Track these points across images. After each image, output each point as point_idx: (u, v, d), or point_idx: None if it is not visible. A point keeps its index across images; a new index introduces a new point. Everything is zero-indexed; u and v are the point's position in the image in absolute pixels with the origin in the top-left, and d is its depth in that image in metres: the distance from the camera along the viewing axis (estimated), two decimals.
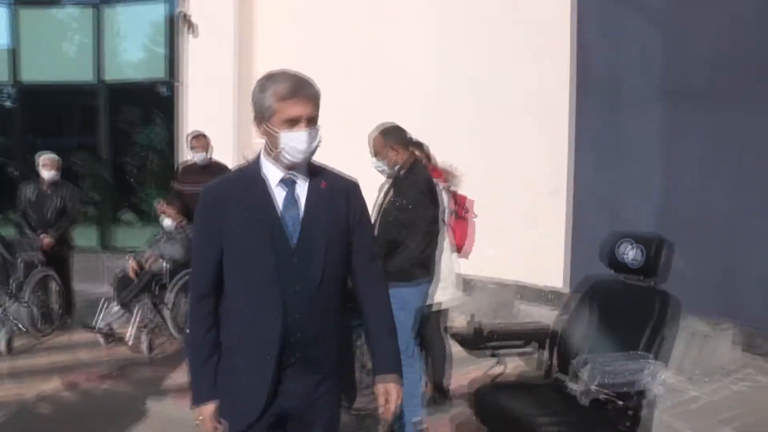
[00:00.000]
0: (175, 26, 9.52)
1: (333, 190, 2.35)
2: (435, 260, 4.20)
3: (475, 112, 8.28)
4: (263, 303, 2.21)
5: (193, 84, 9.38)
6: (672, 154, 6.85)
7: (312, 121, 2.22)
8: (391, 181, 4.18)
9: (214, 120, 8.29)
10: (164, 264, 6.17)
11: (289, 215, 2.27)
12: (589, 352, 3.07)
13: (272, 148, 2.25)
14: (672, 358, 5.50)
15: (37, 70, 9.99)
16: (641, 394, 2.92)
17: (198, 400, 2.29)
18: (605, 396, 2.87)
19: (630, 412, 2.93)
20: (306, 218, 2.27)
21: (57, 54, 10.21)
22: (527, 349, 3.45)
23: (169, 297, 6.10)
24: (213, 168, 6.75)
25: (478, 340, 3.21)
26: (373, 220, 4.02)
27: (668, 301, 3.09)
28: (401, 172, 4.14)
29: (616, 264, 3.36)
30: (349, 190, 2.40)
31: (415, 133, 4.78)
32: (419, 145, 4.81)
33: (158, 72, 9.88)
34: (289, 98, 2.18)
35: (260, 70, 8.41)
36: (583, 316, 3.36)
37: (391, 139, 4.15)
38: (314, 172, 2.33)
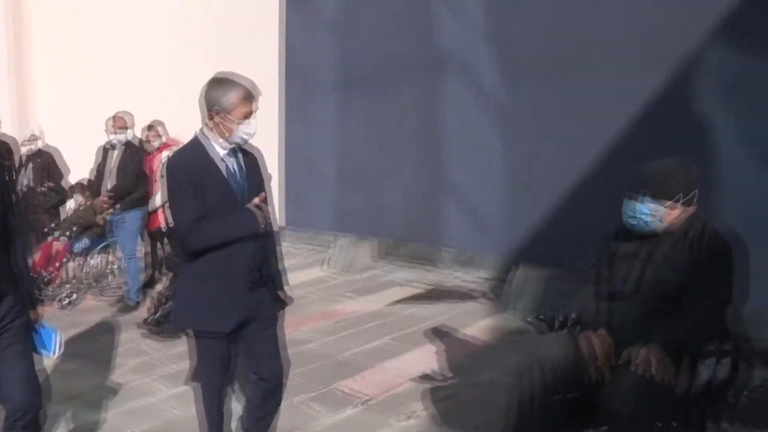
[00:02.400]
0: None
1: (253, 159, 3.14)
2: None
3: None
4: (236, 243, 2.95)
5: None
6: (345, 125, 9.67)
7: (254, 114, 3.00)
8: (123, 145, 6.55)
9: None
10: None
11: (234, 180, 3.00)
12: None
13: (227, 133, 2.96)
14: (331, 259, 8.34)
15: None
16: None
17: (253, 219, 2.94)
18: None
19: None
20: (246, 181, 3.04)
21: None
22: None
23: None
24: None
25: None
26: (110, 171, 6.43)
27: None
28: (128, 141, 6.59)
29: None
30: (260, 159, 3.23)
31: (162, 113, 7.21)
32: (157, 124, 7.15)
33: None
34: (247, 99, 2.94)
35: (34, 60, 10.41)
36: None
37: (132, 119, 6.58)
38: (238, 147, 3.06)
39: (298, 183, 10.18)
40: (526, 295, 6.42)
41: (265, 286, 3.13)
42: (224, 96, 2.92)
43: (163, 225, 6.64)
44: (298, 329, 5.86)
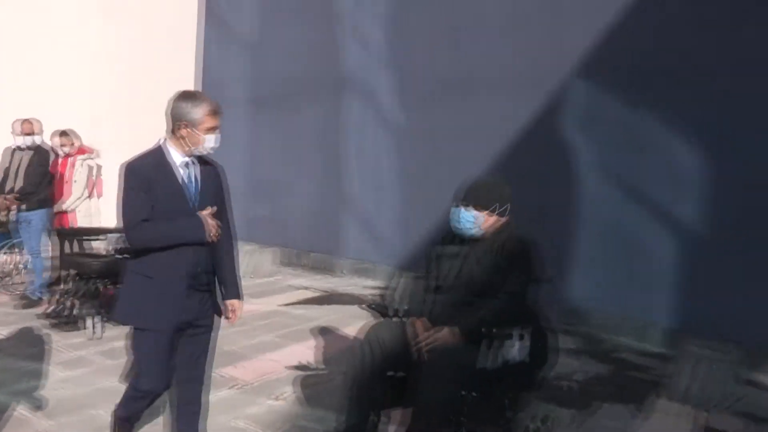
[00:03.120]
0: None
1: (213, 172, 3.28)
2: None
3: (128, 102, 10.96)
4: (180, 247, 3.09)
5: None
6: (255, 139, 10.25)
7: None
8: (31, 148, 6.88)
9: None
10: None
11: (189, 188, 3.14)
12: None
13: (191, 144, 3.10)
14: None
15: None
16: None
17: (200, 225, 3.07)
18: None
19: None
20: (201, 190, 3.16)
21: None
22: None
23: None
24: None
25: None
26: (16, 172, 6.76)
27: None
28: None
29: None
30: (220, 172, 3.34)
31: (78, 120, 7.54)
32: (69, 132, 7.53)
33: None
34: (214, 115, 3.11)
35: None
36: None
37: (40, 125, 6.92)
38: (200, 158, 3.19)
39: None
40: (403, 299, 7.04)
41: (208, 292, 3.27)
42: (194, 110, 3.08)
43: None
44: None
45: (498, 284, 3.51)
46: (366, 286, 8.44)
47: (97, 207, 7.69)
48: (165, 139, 3.19)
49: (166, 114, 3.18)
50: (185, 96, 3.15)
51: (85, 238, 6.76)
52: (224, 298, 3.40)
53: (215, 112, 3.13)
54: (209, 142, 3.13)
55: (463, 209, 3.67)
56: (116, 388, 4.69)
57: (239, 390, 4.81)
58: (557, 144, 7.13)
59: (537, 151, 7.24)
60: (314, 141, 9.51)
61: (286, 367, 5.27)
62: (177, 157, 3.14)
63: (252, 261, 8.84)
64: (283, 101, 9.84)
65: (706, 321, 6.13)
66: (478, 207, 3.64)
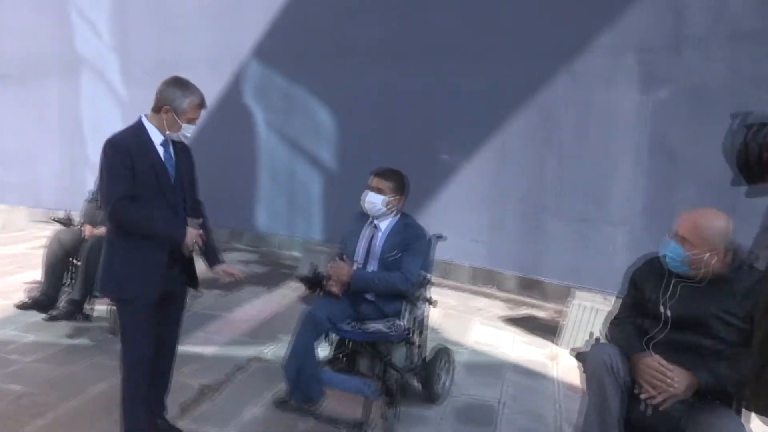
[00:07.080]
0: None
1: (184, 150, 3.41)
2: None
3: None
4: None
5: None
6: (0, 112, 11.64)
7: None
8: None
9: None
10: None
11: (168, 164, 3.24)
12: None
13: (169, 128, 3.20)
14: None
15: None
16: None
17: (182, 234, 3.22)
18: None
19: None
20: (177, 166, 3.29)
21: None
22: None
23: None
24: None
25: None
26: None
27: None
28: None
29: None
30: (188, 149, 3.46)
31: None
32: None
33: None
34: (199, 108, 3.24)
35: None
36: None
37: None
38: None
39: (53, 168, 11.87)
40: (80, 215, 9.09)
41: (187, 264, 3.43)
42: (181, 98, 3.20)
43: None
44: None
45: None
46: None
47: None
48: (145, 116, 3.29)
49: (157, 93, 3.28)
50: (177, 82, 3.25)
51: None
52: (210, 266, 3.54)
53: (201, 106, 3.28)
54: (186, 131, 3.28)
55: None
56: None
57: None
58: (241, 108, 9.51)
59: (228, 116, 9.57)
60: (55, 113, 11.17)
61: (23, 282, 7.18)
62: (155, 134, 3.24)
63: (3, 218, 10.43)
64: (25, 78, 11.35)
65: (333, 232, 8.85)
66: None
